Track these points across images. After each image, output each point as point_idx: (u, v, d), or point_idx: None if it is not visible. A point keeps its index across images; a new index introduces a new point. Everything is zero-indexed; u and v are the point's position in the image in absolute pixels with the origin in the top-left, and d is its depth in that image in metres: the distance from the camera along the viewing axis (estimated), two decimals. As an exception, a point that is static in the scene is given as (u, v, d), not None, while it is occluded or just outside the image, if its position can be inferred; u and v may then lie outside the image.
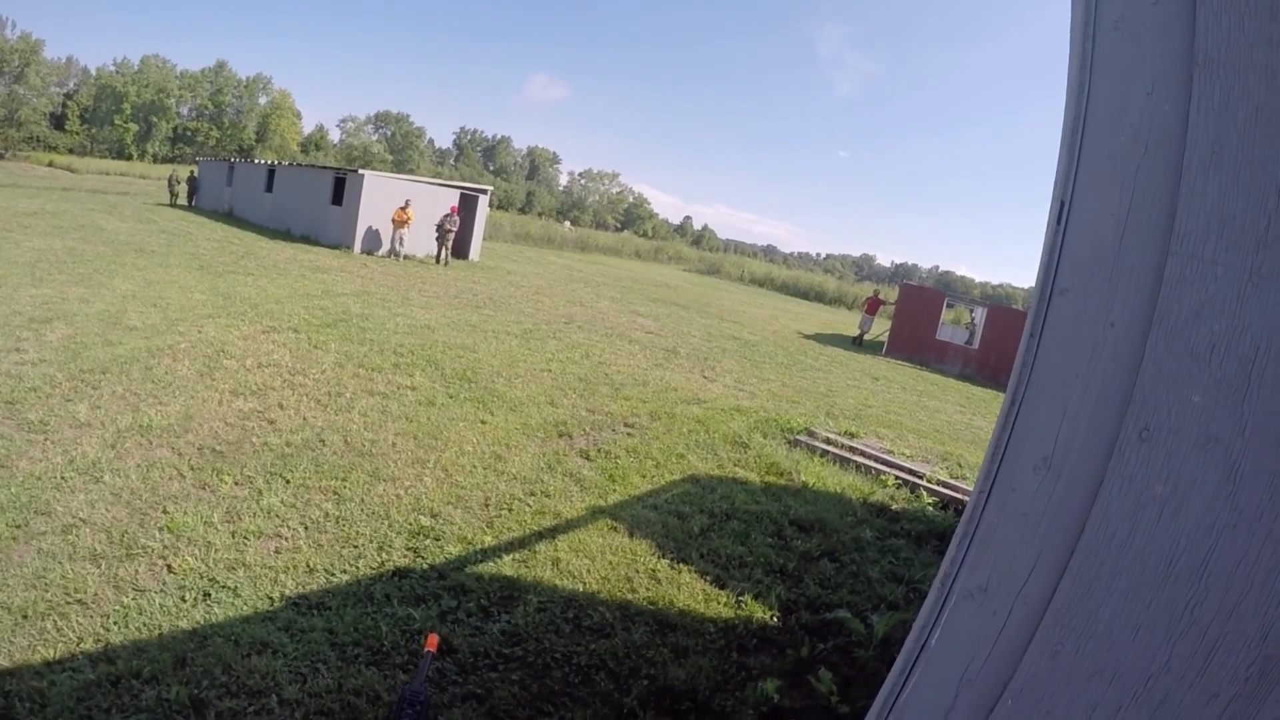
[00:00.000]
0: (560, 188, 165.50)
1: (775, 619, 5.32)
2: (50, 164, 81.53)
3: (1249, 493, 1.39)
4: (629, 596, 5.44)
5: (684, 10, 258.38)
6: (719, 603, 5.47)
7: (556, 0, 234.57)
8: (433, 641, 2.11)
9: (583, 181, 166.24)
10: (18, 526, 5.60)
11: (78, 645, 4.46)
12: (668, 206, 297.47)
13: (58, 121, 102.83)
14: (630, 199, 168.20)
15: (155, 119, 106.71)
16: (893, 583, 6.32)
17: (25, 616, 4.65)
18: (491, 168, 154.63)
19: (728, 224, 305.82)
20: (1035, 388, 1.65)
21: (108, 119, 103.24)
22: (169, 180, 46.49)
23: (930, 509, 8.40)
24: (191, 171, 47.54)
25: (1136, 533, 1.48)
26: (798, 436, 10.10)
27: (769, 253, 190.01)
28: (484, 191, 32.61)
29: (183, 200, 44.81)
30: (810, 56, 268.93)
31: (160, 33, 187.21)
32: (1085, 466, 1.54)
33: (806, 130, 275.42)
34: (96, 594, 4.96)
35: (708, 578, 5.82)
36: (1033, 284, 1.74)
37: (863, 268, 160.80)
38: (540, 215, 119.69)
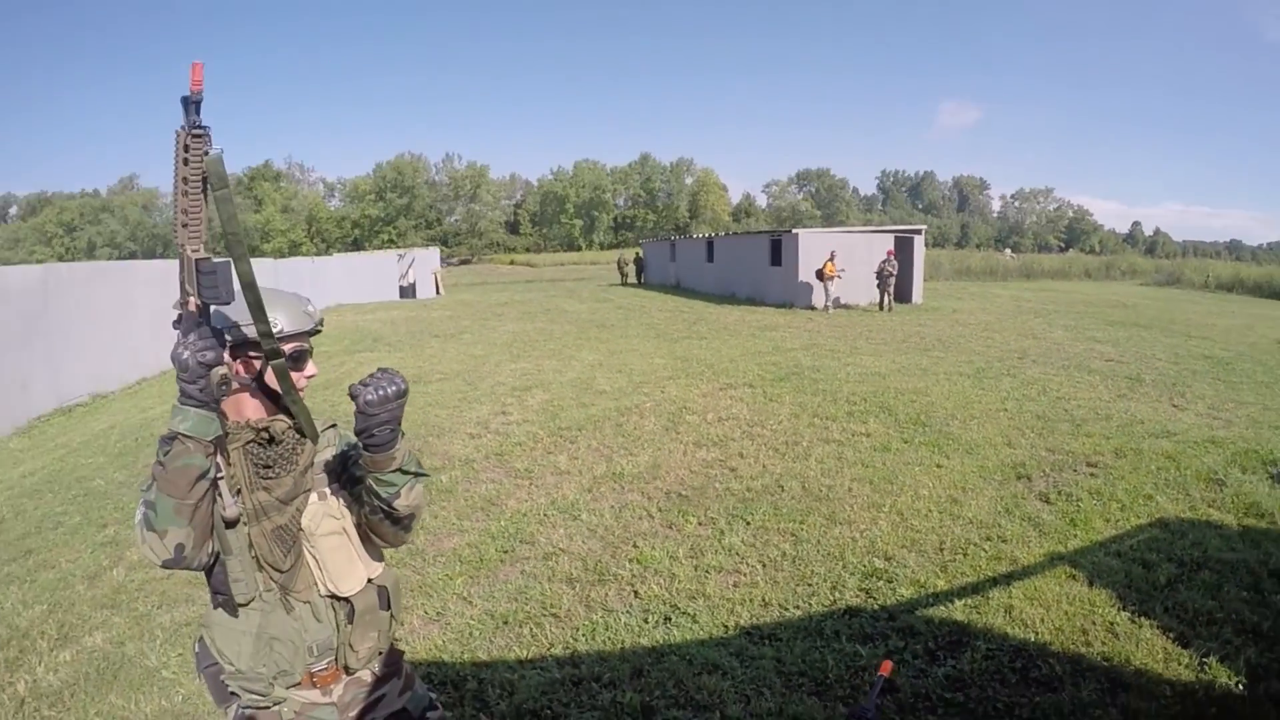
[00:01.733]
0: (994, 213, 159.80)
1: (1241, 687, 4.68)
2: (511, 262, 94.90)
3: None
4: (1082, 650, 5.11)
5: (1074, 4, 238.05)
6: (1179, 663, 4.94)
7: (951, 25, 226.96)
8: (886, 667, 2.18)
9: (1016, 204, 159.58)
10: (505, 551, 6.61)
11: (548, 649, 5.14)
12: (1111, 214, 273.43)
13: (512, 227, 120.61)
14: (1070, 213, 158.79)
15: (596, 212, 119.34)
16: None
17: (506, 623, 5.50)
18: (920, 205, 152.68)
19: (1181, 223, 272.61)
20: None
21: (554, 219, 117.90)
22: (618, 263, 51.52)
23: None
24: (637, 253, 52.34)
25: None
26: None
27: (1233, 249, 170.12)
28: (917, 231, 32.16)
29: (632, 279, 49.36)
30: (1233, 4, 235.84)
31: (588, 140, 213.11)
32: None
33: (1247, 94, 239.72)
34: (569, 610, 5.68)
35: (1170, 634, 5.27)
36: None
37: None
38: (978, 246, 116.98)
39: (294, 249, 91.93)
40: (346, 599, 2.43)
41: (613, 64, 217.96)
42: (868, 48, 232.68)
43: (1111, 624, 5.44)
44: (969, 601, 5.77)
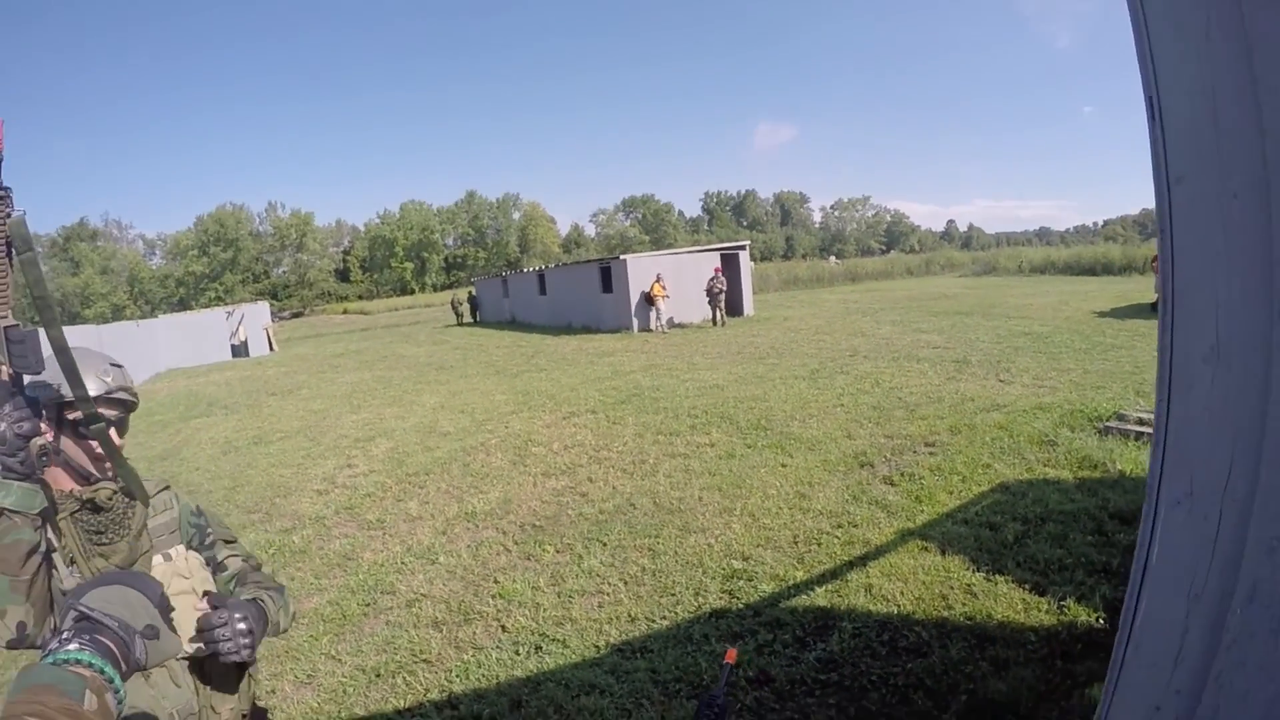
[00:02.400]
0: (816, 224, 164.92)
1: (1101, 620, 4.98)
2: (344, 311, 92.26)
3: None
4: (945, 614, 5.31)
5: (876, 19, 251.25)
6: (1039, 610, 5.20)
7: (763, 48, 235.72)
8: (731, 655, 2.23)
9: (836, 213, 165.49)
10: (368, 604, 6.46)
11: (424, 695, 5.04)
12: (927, 216, 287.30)
13: (342, 275, 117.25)
14: (888, 218, 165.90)
15: (426, 254, 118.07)
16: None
17: (378, 675, 5.37)
18: (744, 223, 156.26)
19: (992, 216, 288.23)
20: (1181, 279, 1.58)
21: (384, 264, 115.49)
22: (452, 303, 50.98)
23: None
24: (470, 291, 52.29)
25: None
26: (1107, 424, 9.48)
27: (1043, 235, 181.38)
28: (742, 247, 33.00)
29: (468, 318, 48.80)
30: (1017, 16, 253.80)
31: (411, 181, 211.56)
32: (1252, 344, 1.43)
33: (1042, 96, 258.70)
34: (439, 653, 5.58)
35: (1026, 586, 5.56)
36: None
37: (1146, 225, 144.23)
38: (804, 257, 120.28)
39: (117, 313, 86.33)
40: (201, 660, 2.34)
41: (433, 101, 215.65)
42: (685, 74, 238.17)
43: (969, 585, 5.67)
44: (830, 587, 5.90)
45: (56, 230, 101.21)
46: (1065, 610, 5.15)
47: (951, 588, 5.69)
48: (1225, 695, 1.49)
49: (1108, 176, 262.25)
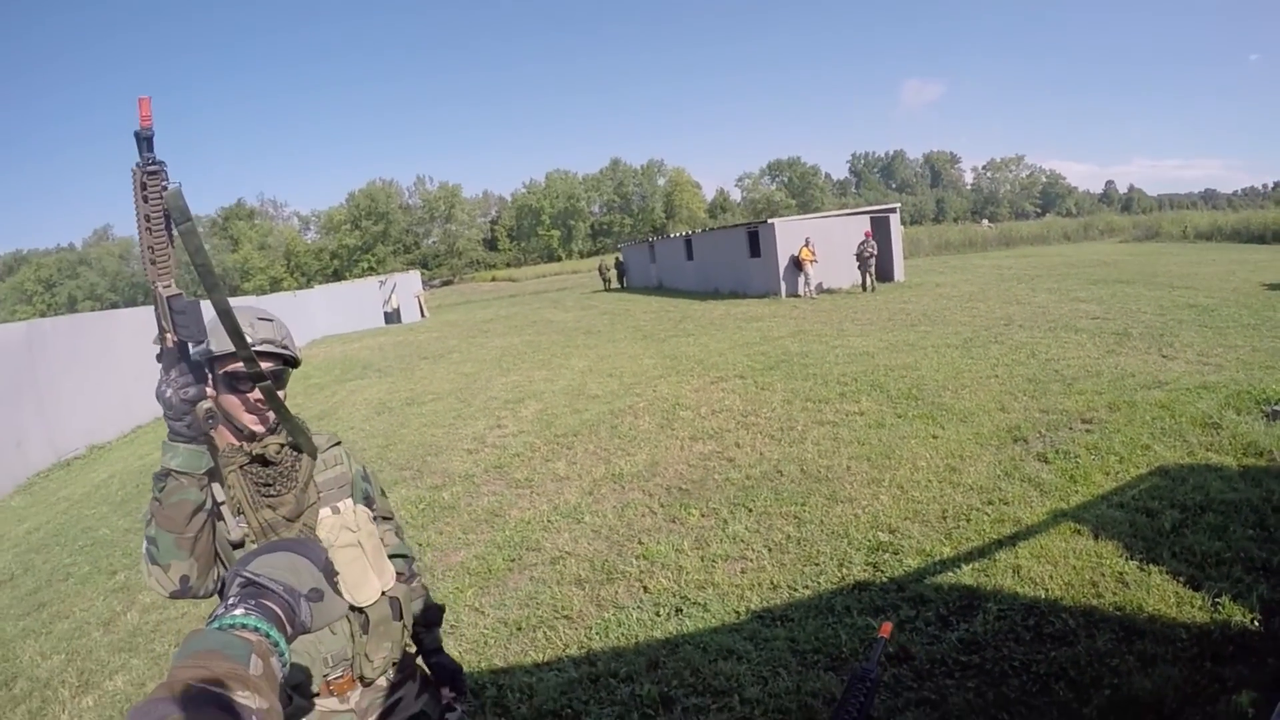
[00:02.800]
0: (968, 186, 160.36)
1: (1257, 623, 4.70)
2: (493, 279, 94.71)
3: None
4: (1093, 602, 5.15)
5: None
6: (1192, 606, 4.95)
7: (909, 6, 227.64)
8: (886, 629, 2.19)
9: (989, 174, 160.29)
10: (513, 560, 6.66)
11: (563, 650, 5.19)
12: (1085, 176, 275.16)
13: (490, 244, 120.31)
14: (1043, 179, 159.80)
15: (572, 222, 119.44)
16: None
17: (519, 629, 5.56)
18: (893, 185, 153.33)
19: (1154, 178, 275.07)
20: None
21: (531, 232, 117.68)
22: (599, 269, 51.43)
23: None
24: (617, 258, 52.68)
25: None
26: (1276, 408, 8.97)
27: (1208, 198, 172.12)
28: (892, 210, 32.33)
29: (614, 284, 49.33)
30: None
31: (558, 150, 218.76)
32: None
33: (1203, 43, 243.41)
34: (580, 611, 5.74)
35: (1180, 579, 5.30)
36: None
37: None
38: (955, 220, 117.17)
39: (274, 285, 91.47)
40: (362, 610, 2.46)
41: (576, 72, 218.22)
42: (827, 33, 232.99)
43: (1120, 574, 5.47)
44: (976, 565, 5.82)
45: (216, 211, 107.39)
46: (1219, 608, 4.89)
47: (1102, 575, 5.50)
48: None
49: (1275, 131, 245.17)
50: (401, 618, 2.61)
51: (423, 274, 65.52)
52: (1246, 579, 5.23)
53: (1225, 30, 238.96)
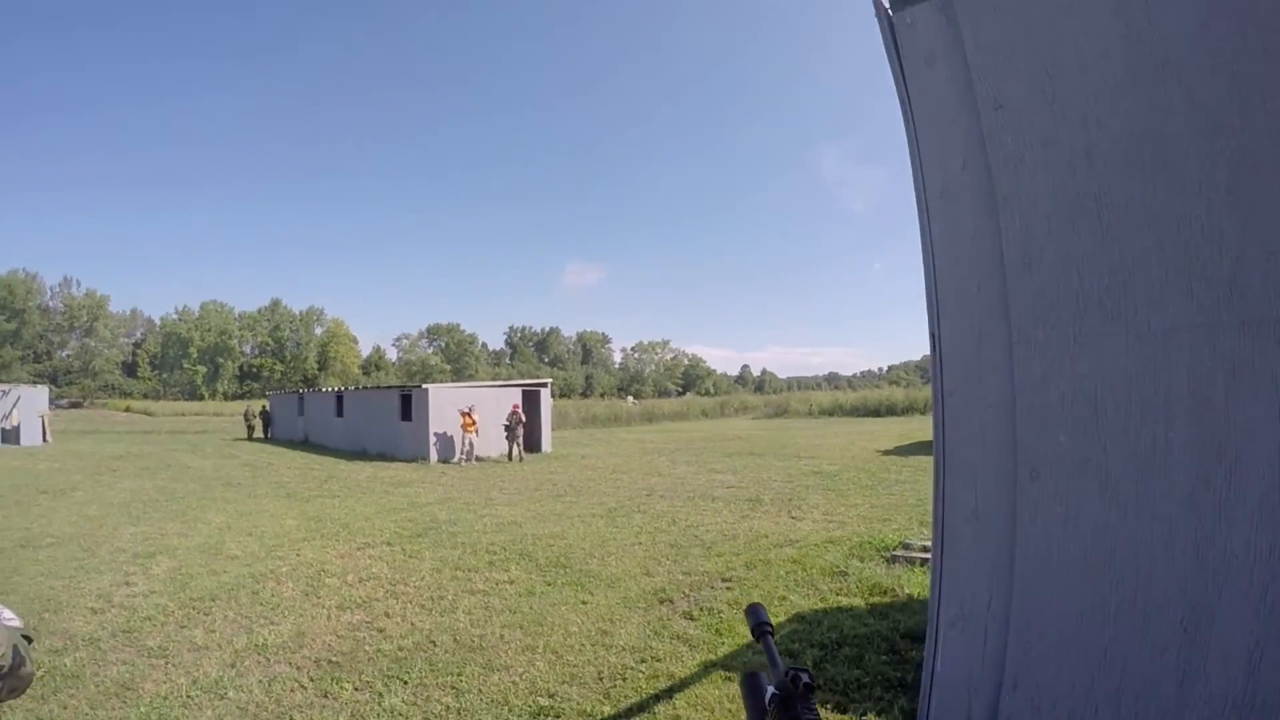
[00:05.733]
0: (616, 365, 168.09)
1: None
2: (128, 409, 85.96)
3: (1123, 491, 1.76)
4: (753, 740, 5.40)
5: (689, 173, 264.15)
6: None
7: (577, 191, 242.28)
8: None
9: (636, 355, 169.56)
10: None
11: None
12: (723, 360, 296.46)
13: (130, 369, 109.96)
14: (685, 362, 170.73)
15: (221, 359, 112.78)
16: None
17: None
18: (546, 359, 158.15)
19: (785, 363, 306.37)
20: (950, 463, 2.11)
21: (176, 363, 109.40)
22: (245, 415, 48.49)
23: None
24: (264, 405, 49.98)
25: (1052, 545, 1.88)
26: (894, 553, 10.12)
27: (832, 380, 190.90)
28: (544, 385, 33.42)
29: (259, 433, 46.88)
30: (819, 184, 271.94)
31: (215, 279, 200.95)
32: (1001, 508, 1.99)
33: (837, 254, 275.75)
34: None
35: (829, 705, 5.76)
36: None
37: (926, 371, 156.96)
38: (602, 395, 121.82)
39: None
40: None
41: (243, 197, 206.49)
42: (497, 215, 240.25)
43: (775, 711, 5.75)
44: (637, 720, 5.90)
45: None
46: (868, 722, 5.33)
47: (758, 714, 5.78)
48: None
49: (893, 326, 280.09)
50: None
51: (51, 391, 58.64)
52: (887, 696, 5.91)
53: (858, 242, 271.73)
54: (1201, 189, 1.60)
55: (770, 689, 1.50)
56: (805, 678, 1.43)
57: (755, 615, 1.77)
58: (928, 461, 12.10)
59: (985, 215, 1.96)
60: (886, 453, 24.02)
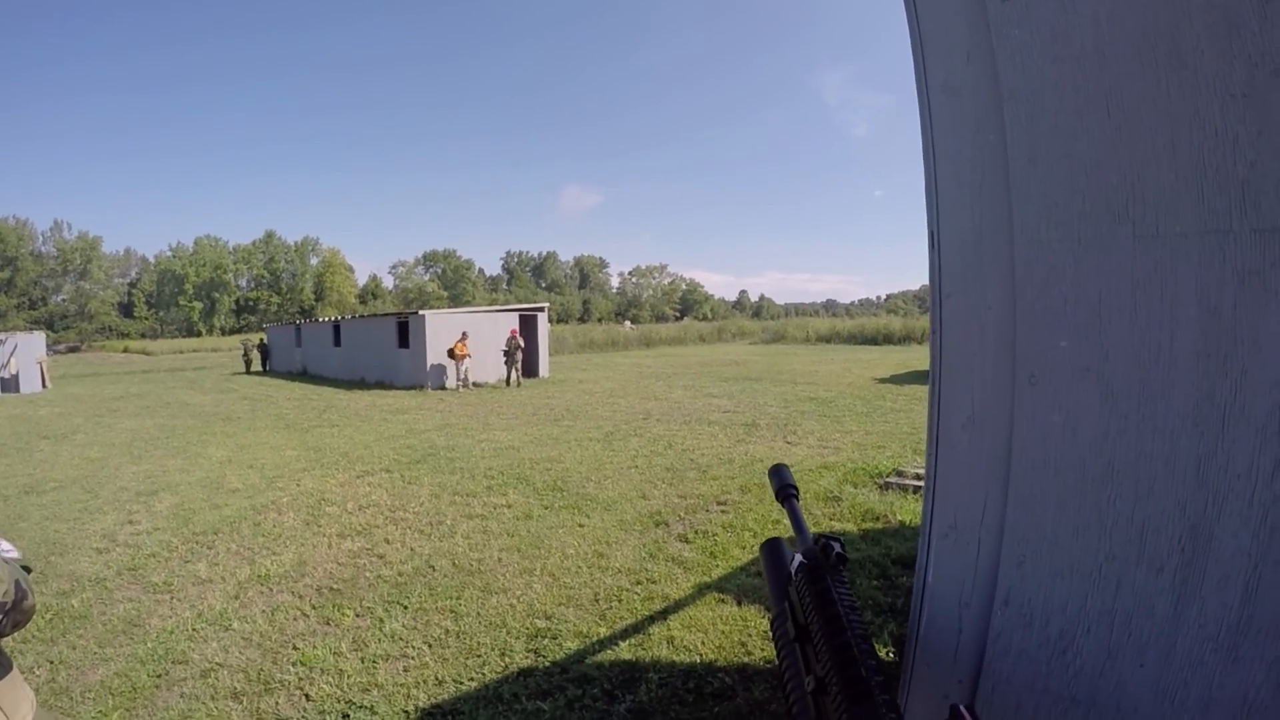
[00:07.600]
0: (613, 290, 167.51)
1: (891, 654, 5.33)
2: (125, 349, 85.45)
3: (1124, 402, 1.72)
4: (745, 659, 5.53)
5: (690, 98, 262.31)
6: None
7: (577, 115, 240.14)
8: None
9: (634, 279, 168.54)
10: (159, 676, 6.02)
11: None
12: (721, 285, 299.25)
13: (126, 310, 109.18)
14: (684, 286, 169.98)
15: (217, 295, 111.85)
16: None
17: None
18: (544, 284, 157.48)
19: (783, 288, 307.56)
20: (947, 368, 2.05)
21: (172, 301, 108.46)
22: (243, 349, 48.14)
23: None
24: (261, 338, 49.58)
25: (1050, 456, 1.82)
26: (888, 479, 10.18)
27: (830, 308, 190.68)
28: (541, 309, 33.29)
29: (257, 366, 46.61)
30: (821, 108, 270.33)
31: (209, 213, 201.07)
32: (998, 416, 1.93)
33: (837, 179, 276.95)
34: None
35: None
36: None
37: (924, 299, 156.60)
38: (600, 320, 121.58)
39: None
40: None
41: (237, 128, 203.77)
42: (492, 130, 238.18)
43: (765, 632, 5.88)
44: (633, 641, 6.00)
45: None
46: (857, 647, 5.46)
47: (750, 635, 5.92)
48: (995, 680, 1.91)
49: (892, 254, 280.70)
50: None
51: (48, 336, 58.25)
52: (877, 620, 5.98)
53: (859, 167, 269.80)
54: (1216, 91, 1.56)
55: (797, 558, 1.36)
56: (837, 547, 1.28)
57: (780, 477, 1.67)
58: (923, 390, 12.29)
59: (989, 110, 1.91)
60: (883, 380, 24.11)
